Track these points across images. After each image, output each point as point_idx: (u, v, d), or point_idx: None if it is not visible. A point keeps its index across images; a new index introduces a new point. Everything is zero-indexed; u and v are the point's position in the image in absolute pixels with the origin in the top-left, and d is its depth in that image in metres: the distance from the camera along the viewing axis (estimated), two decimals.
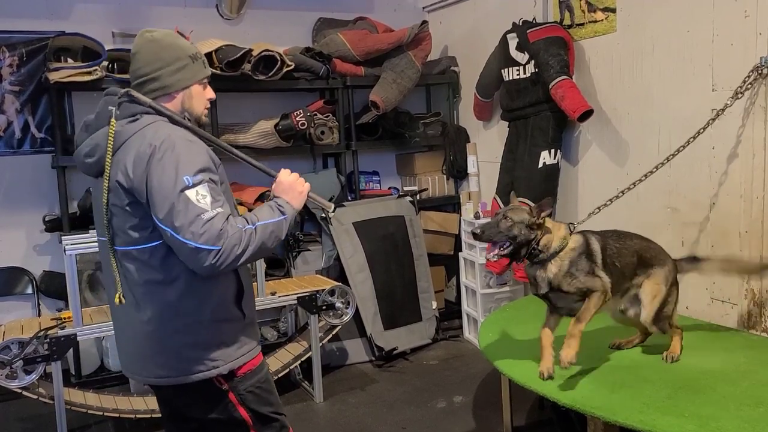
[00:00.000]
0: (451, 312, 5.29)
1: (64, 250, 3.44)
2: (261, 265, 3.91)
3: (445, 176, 5.41)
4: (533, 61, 4.10)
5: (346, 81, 4.93)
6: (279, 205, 2.05)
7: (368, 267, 4.70)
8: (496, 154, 4.66)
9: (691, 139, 3.16)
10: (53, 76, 4.07)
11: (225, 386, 2.08)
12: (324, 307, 4.10)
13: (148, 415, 3.68)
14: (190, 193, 1.85)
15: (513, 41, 4.24)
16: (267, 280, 4.15)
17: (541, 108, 4.12)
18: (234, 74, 4.40)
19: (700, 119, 3.20)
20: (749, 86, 3.03)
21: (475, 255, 4.79)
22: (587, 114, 3.81)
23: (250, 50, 4.44)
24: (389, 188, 5.45)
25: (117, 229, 1.99)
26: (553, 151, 4.13)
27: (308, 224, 5.04)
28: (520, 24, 4.24)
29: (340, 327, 4.24)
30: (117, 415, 3.67)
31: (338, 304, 4.15)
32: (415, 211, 5.06)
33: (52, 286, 4.44)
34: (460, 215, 5.20)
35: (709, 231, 3.35)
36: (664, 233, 3.50)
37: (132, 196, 1.92)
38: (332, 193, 4.91)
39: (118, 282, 2.02)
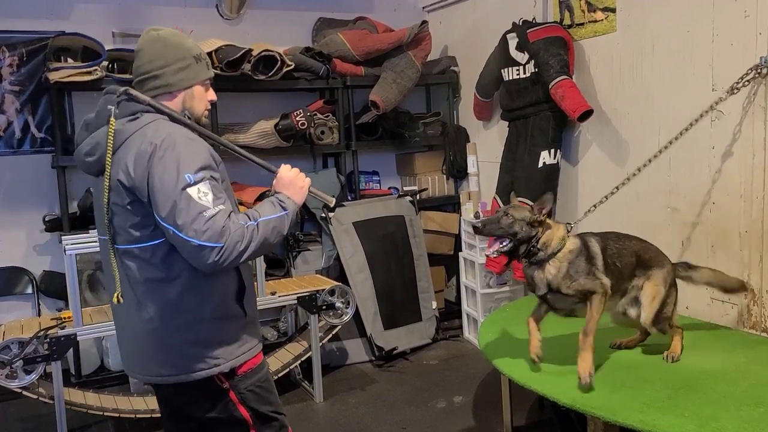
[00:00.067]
0: (451, 312, 5.29)
1: (64, 250, 3.44)
2: (261, 265, 3.91)
3: (445, 176, 5.41)
4: (533, 61, 4.10)
5: (346, 81, 4.93)
6: (280, 201, 2.05)
7: (368, 267, 4.70)
8: (496, 154, 4.66)
9: (684, 131, 3.18)
10: (53, 76, 4.07)
11: (226, 384, 2.08)
12: (324, 307, 4.10)
13: (148, 415, 3.68)
14: (192, 191, 1.85)
15: (513, 41, 4.24)
16: (267, 280, 4.15)
17: (541, 108, 4.13)
18: (234, 74, 4.41)
19: (700, 119, 3.21)
20: (746, 83, 3.03)
21: (475, 255, 4.79)
22: (587, 114, 3.81)
23: (250, 50, 4.44)
24: (389, 188, 5.44)
25: (118, 228, 1.99)
26: (553, 151, 4.13)
27: (308, 224, 5.04)
28: (520, 24, 4.24)
29: (340, 327, 4.24)
30: (117, 414, 3.67)
31: (338, 304, 4.15)
32: (415, 211, 5.06)
33: (52, 286, 4.44)
34: (460, 215, 5.20)
35: (709, 231, 3.35)
36: (664, 233, 3.51)
37: (133, 194, 1.92)
38: (332, 192, 4.90)
39: (118, 281, 2.02)
